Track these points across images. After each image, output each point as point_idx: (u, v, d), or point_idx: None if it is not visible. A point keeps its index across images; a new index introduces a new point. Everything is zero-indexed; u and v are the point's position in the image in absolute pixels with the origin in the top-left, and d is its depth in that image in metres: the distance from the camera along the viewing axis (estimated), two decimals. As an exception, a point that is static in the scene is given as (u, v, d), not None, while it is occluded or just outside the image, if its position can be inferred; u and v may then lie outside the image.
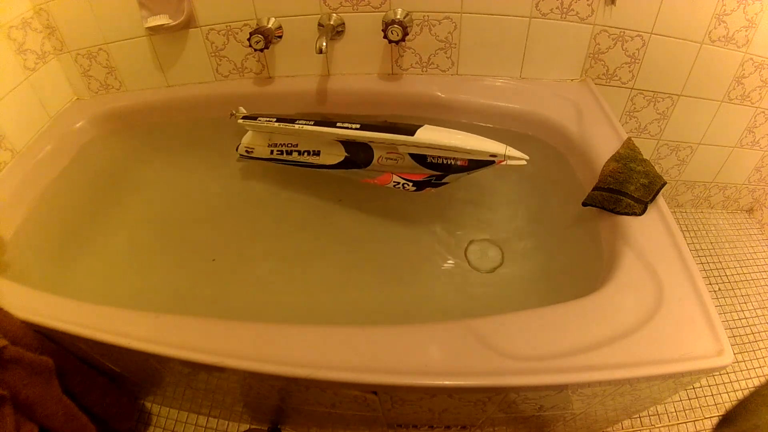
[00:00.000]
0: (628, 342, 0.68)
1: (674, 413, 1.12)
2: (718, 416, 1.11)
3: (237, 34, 1.19)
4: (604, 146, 1.00)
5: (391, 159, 1.04)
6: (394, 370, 0.67)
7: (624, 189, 0.88)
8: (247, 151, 1.21)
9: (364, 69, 1.25)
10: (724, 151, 1.41)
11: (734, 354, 0.84)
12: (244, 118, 1.17)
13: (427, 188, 1.04)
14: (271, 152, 1.18)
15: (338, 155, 1.10)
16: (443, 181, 1.03)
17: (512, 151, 0.93)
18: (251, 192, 1.33)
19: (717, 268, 1.44)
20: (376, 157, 1.05)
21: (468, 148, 0.94)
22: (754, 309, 1.33)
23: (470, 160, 0.97)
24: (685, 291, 0.74)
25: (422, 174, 1.03)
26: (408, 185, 1.04)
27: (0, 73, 1.04)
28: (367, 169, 1.07)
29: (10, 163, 1.08)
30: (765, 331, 1.28)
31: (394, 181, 1.05)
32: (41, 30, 1.14)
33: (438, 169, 1.01)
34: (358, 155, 1.07)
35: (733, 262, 1.45)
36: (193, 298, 1.13)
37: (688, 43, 1.14)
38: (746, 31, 1.12)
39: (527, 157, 0.92)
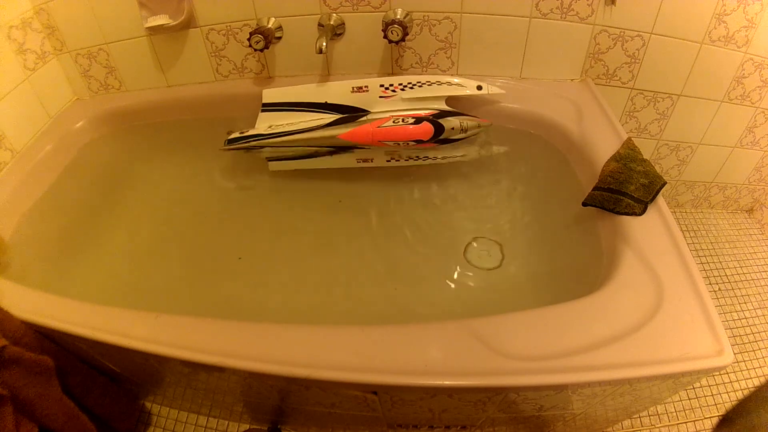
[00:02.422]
0: (628, 342, 0.68)
1: (674, 413, 1.12)
2: (718, 416, 1.11)
3: (237, 34, 1.18)
4: (604, 146, 1.00)
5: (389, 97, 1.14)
6: (394, 370, 0.67)
7: (624, 189, 0.88)
8: (241, 131, 1.20)
9: (364, 69, 1.25)
10: (724, 151, 1.41)
11: (734, 354, 0.84)
12: (230, 141, 1.18)
13: (425, 123, 1.10)
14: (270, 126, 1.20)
15: (336, 116, 1.16)
16: (441, 122, 1.10)
17: (493, 88, 1.13)
18: (251, 192, 1.33)
19: (717, 268, 1.44)
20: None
21: (454, 81, 1.13)
22: (754, 309, 1.33)
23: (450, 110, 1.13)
24: (685, 291, 0.74)
25: (420, 113, 1.11)
26: (408, 119, 1.10)
27: (0, 73, 1.04)
28: (368, 117, 1.14)
29: (10, 163, 1.08)
30: (765, 331, 1.28)
31: (393, 118, 1.11)
32: (41, 30, 1.14)
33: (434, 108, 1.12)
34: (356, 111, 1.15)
35: (733, 262, 1.45)
36: (193, 298, 1.13)
37: (688, 43, 1.14)
38: (746, 31, 1.12)
39: (503, 92, 1.14)
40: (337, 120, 1.15)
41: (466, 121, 1.12)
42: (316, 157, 1.21)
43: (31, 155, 1.11)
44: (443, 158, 1.20)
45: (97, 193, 1.25)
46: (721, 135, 1.36)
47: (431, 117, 1.11)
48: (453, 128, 1.11)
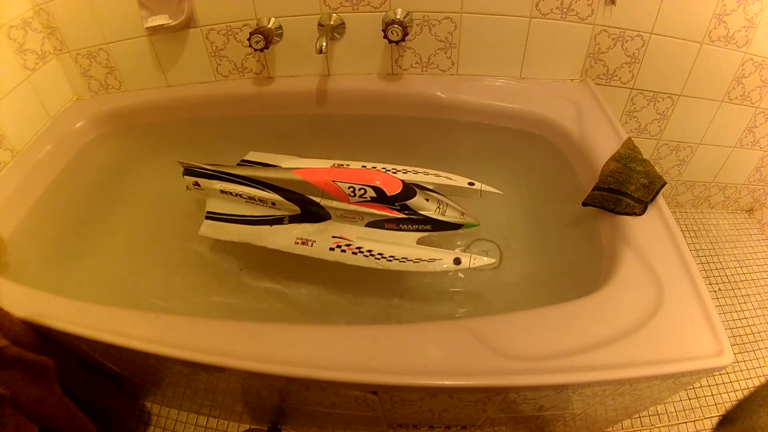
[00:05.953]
0: (628, 342, 0.68)
1: (674, 413, 1.12)
2: (718, 416, 1.11)
3: (237, 34, 1.18)
4: (604, 146, 1.00)
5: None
6: (394, 370, 0.67)
7: (624, 189, 0.88)
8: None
9: (364, 69, 1.25)
10: (724, 151, 1.41)
11: (734, 354, 0.84)
12: (188, 171, 1.10)
13: (395, 179, 0.99)
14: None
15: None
16: (416, 188, 0.99)
17: (486, 187, 1.04)
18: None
19: (717, 268, 1.44)
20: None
21: (442, 174, 1.05)
22: (754, 309, 1.33)
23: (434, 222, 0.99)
24: (685, 291, 0.74)
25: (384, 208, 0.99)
26: (366, 190, 0.96)
27: (0, 73, 1.04)
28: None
29: (10, 163, 1.08)
30: (765, 331, 1.28)
31: (350, 187, 0.96)
32: (41, 30, 1.14)
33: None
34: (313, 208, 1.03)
35: (733, 262, 1.45)
36: (192, 298, 1.13)
37: (688, 43, 1.14)
38: (746, 31, 1.12)
39: (500, 192, 1.05)
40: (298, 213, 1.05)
41: (447, 206, 1.00)
42: (253, 224, 1.08)
43: (30, 155, 1.11)
44: (403, 259, 0.94)
45: (96, 193, 1.25)
46: (721, 135, 1.36)
47: (406, 181, 0.99)
48: (428, 200, 0.98)
